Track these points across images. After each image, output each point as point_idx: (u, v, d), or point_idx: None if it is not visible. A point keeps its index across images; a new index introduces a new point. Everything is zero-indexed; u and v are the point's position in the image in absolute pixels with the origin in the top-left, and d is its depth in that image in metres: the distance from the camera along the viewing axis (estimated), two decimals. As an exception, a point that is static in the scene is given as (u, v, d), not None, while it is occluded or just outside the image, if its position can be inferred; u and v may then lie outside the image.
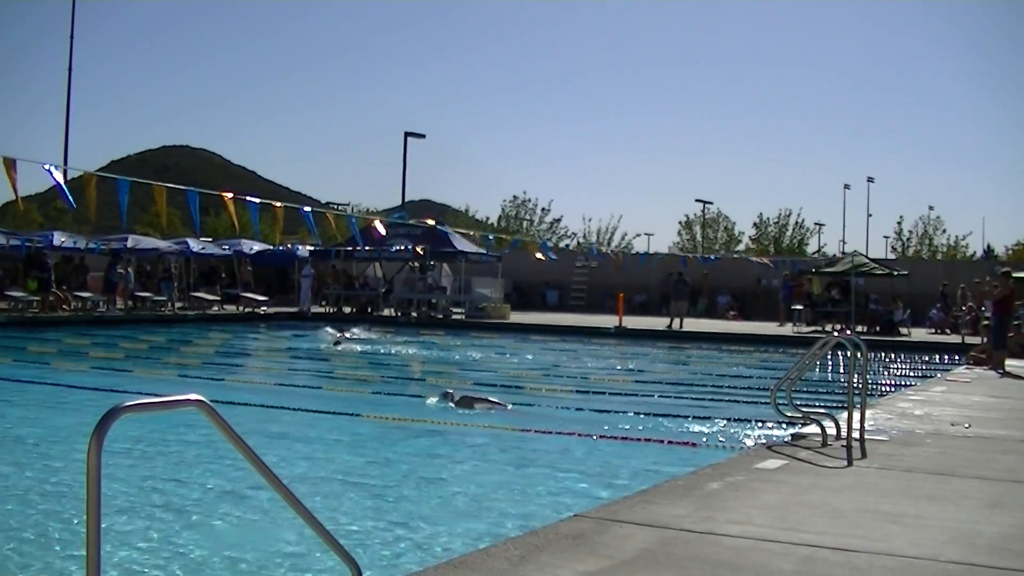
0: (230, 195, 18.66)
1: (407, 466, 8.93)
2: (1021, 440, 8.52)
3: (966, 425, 9.24)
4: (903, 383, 16.18)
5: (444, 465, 9.05)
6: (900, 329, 28.47)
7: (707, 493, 5.79)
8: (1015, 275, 18.85)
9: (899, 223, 67.12)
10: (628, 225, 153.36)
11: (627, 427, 10.81)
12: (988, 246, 68.10)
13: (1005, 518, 5.40)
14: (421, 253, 32.34)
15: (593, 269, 40.89)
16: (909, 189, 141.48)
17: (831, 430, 7.96)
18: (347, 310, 33.19)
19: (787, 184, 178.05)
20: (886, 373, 19.01)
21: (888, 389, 15.02)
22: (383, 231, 28.64)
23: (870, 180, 67.82)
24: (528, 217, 68.05)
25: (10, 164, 14.66)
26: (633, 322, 29.57)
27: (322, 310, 32.69)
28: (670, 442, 9.89)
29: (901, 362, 21.67)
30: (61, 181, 16.38)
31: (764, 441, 9.17)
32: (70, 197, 17.03)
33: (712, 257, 41.16)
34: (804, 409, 9.07)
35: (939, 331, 29.52)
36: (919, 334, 28.15)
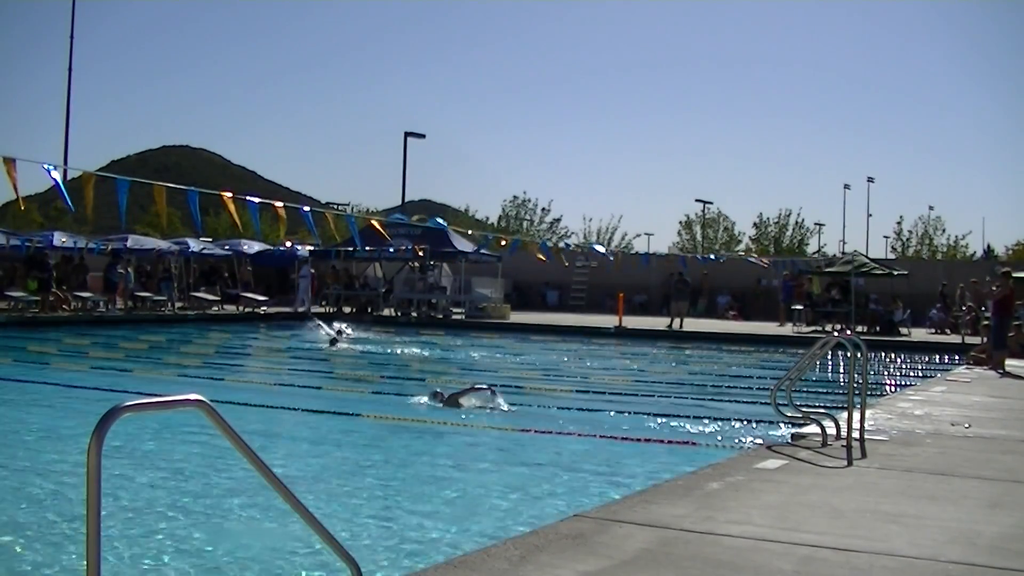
0: (230, 195, 18.63)
1: (407, 466, 8.93)
2: (1021, 440, 8.52)
3: (966, 425, 9.24)
4: (903, 383, 16.18)
5: (444, 465, 9.05)
6: (900, 329, 28.48)
7: (707, 493, 5.79)
8: (1015, 275, 18.85)
9: (899, 223, 67.17)
10: (628, 225, 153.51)
11: (627, 427, 10.82)
12: (988, 246, 68.14)
13: (1005, 518, 5.40)
14: (421, 253, 32.35)
15: (593, 269, 40.91)
16: (909, 189, 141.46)
17: (831, 430, 7.96)
18: (347, 310, 33.20)
19: (787, 184, 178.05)
20: (886, 373, 19.02)
21: (888, 389, 15.02)
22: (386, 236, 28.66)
23: (870, 180, 67.94)
24: (528, 217, 68.12)
25: (10, 164, 14.64)
26: (633, 322, 29.58)
27: (322, 310, 32.70)
28: (670, 442, 9.89)
29: (901, 362, 21.68)
30: (60, 181, 16.35)
31: (764, 441, 9.16)
32: (68, 198, 17.00)
33: (721, 257, 41.13)
34: (804, 409, 9.08)
35: (939, 331, 29.52)
36: (919, 334, 28.15)
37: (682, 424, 11.14)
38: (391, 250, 32.86)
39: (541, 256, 28.49)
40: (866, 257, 34.04)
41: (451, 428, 10.80)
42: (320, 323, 24.64)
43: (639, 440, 9.98)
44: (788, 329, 28.99)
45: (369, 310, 33.00)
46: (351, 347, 21.85)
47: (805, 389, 13.83)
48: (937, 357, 22.83)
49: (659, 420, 11.33)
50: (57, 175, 16.01)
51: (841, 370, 18.10)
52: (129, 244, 31.08)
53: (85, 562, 2.69)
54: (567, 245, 35.75)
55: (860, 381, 8.49)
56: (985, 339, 19.49)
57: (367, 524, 6.66)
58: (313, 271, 34.68)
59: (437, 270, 33.99)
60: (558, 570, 4.08)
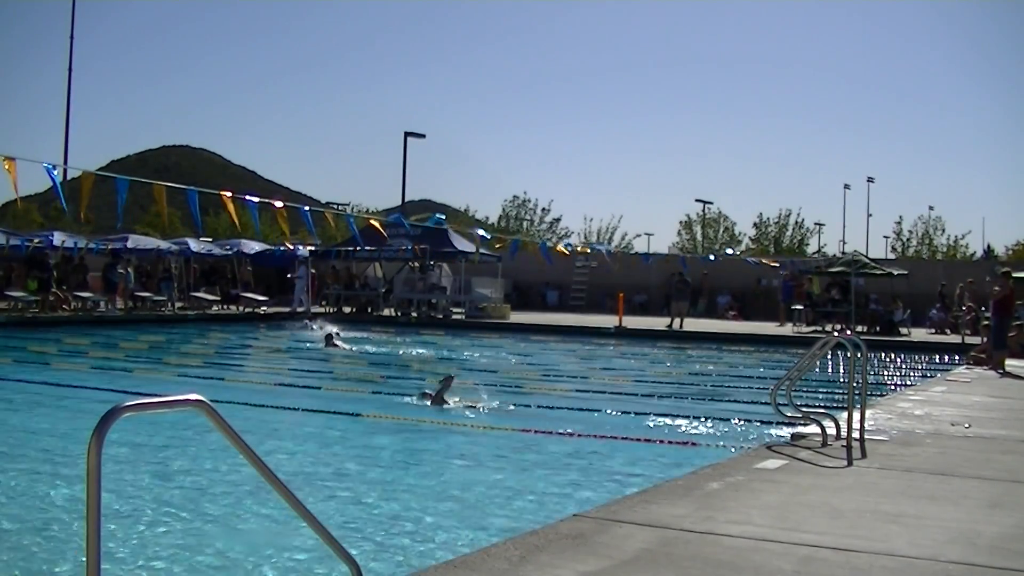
0: (229, 195, 18.63)
1: (407, 466, 8.93)
2: (1021, 440, 8.52)
3: (966, 425, 9.24)
4: (903, 383, 16.18)
5: (444, 465, 9.05)
6: (900, 329, 28.48)
7: (707, 493, 5.79)
8: (1015, 275, 18.85)
9: (898, 223, 67.17)
10: (628, 225, 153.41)
11: (627, 427, 10.82)
12: (988, 246, 68.10)
13: (1005, 518, 5.40)
14: (421, 253, 32.36)
15: (593, 269, 40.91)
16: (909, 189, 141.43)
17: (831, 430, 7.96)
18: (347, 310, 33.21)
19: (787, 184, 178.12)
20: (886, 373, 19.02)
21: (888, 389, 15.02)
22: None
23: (870, 180, 67.88)
24: (528, 217, 68.13)
25: (11, 164, 14.65)
26: (633, 322, 29.58)
27: (322, 310, 32.71)
28: (670, 442, 9.89)
29: (901, 362, 21.68)
30: (57, 181, 16.40)
31: (764, 441, 9.16)
32: (63, 197, 17.04)
33: (719, 258, 41.12)
34: (804, 409, 9.08)
35: (939, 331, 29.52)
36: (919, 334, 28.16)
37: (682, 424, 11.14)
38: (392, 251, 32.88)
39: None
40: (866, 257, 34.05)
41: (450, 428, 10.80)
42: (308, 322, 24.63)
43: (639, 440, 9.98)
44: (788, 329, 28.99)
45: (369, 310, 33.00)
46: (348, 347, 21.82)
47: (805, 389, 13.84)
48: (937, 357, 22.83)
49: (659, 420, 11.34)
50: (55, 175, 16.03)
51: (841, 370, 18.10)
52: (129, 244, 31.06)
53: (85, 562, 2.69)
54: (569, 245, 35.65)
55: (860, 381, 8.49)
56: (985, 339, 19.49)
57: (367, 524, 6.66)
58: (314, 271, 34.69)
59: (437, 270, 33.99)
60: (558, 570, 4.08)
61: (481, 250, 32.77)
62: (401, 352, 21.82)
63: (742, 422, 11.39)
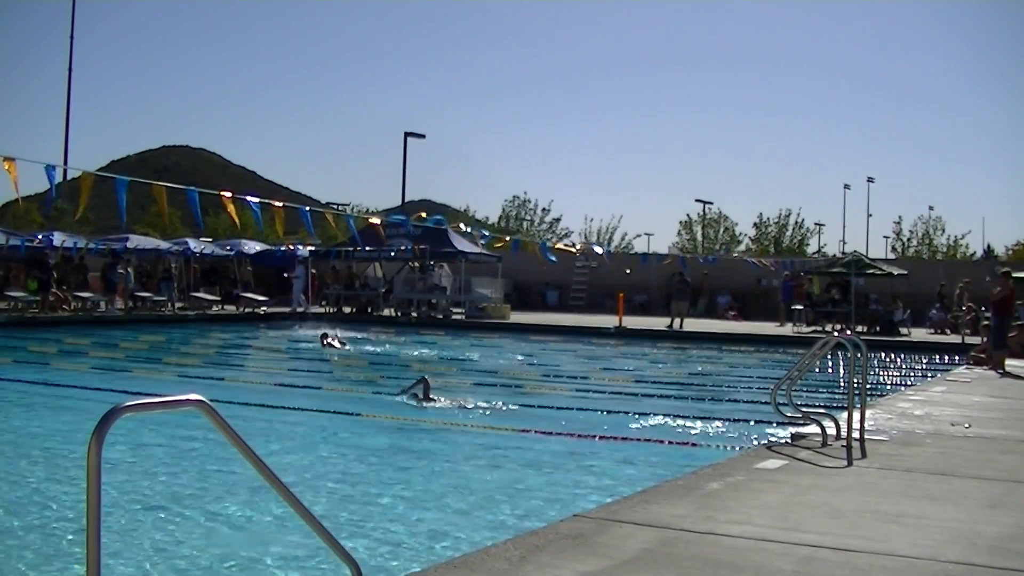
0: (229, 195, 18.63)
1: (407, 466, 8.93)
2: (1021, 440, 8.52)
3: (966, 425, 9.24)
4: (903, 383, 16.18)
5: (445, 465, 9.06)
6: (900, 329, 28.48)
7: (707, 493, 5.79)
8: (1015, 275, 18.85)
9: (898, 223, 67.14)
10: (628, 225, 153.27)
11: (627, 427, 10.82)
12: (988, 246, 68.08)
13: (1005, 518, 5.40)
14: (421, 253, 32.36)
15: (593, 269, 40.91)
16: (909, 189, 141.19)
17: (831, 430, 7.96)
18: (347, 310, 33.21)
19: (787, 184, 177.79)
20: (886, 373, 19.02)
21: (888, 389, 15.02)
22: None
23: (870, 180, 67.92)
24: (528, 217, 68.14)
25: (11, 164, 14.66)
26: (633, 322, 29.58)
27: (322, 310, 32.72)
28: (670, 442, 9.89)
29: (901, 362, 21.68)
30: (54, 182, 16.45)
31: (764, 441, 9.17)
32: (54, 197, 17.13)
33: (715, 258, 41.14)
34: (804, 409, 9.08)
35: (939, 331, 29.53)
36: (919, 334, 28.16)
37: (682, 424, 11.14)
38: (392, 252, 32.88)
39: (545, 257, 28.58)
40: (866, 257, 34.06)
41: (451, 428, 10.81)
42: (299, 325, 24.62)
43: (639, 440, 9.98)
44: (788, 329, 29.00)
45: (369, 310, 33.00)
46: (346, 347, 21.81)
47: (805, 389, 13.84)
48: (937, 357, 22.83)
49: (659, 420, 11.34)
50: (54, 175, 16.06)
51: (841, 370, 18.11)
52: (129, 244, 31.07)
53: (85, 562, 2.69)
54: (573, 245, 35.69)
55: (860, 381, 8.49)
56: (985, 339, 19.49)
57: (367, 524, 6.66)
58: (314, 271, 34.69)
59: (437, 270, 34.01)
60: (558, 570, 4.08)
61: (481, 244, 32.82)
62: (400, 352, 21.81)
63: (742, 422, 11.39)
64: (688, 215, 68.46)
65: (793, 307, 30.23)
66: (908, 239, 66.30)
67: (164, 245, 33.12)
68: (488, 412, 11.81)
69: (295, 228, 37.62)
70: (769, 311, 33.97)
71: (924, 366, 20.58)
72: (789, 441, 8.22)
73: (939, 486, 6.26)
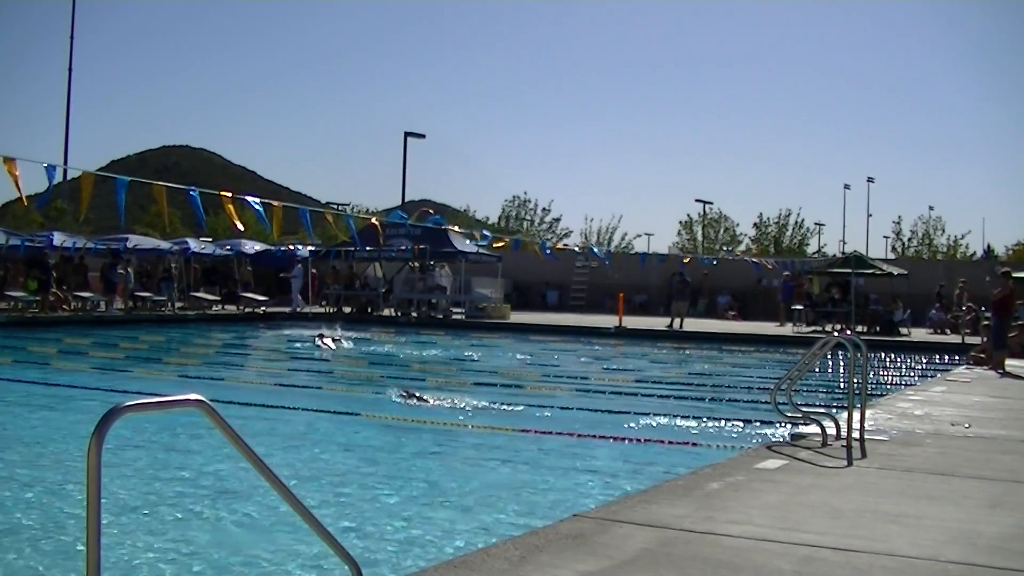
0: (229, 195, 18.62)
1: (406, 466, 8.93)
2: (1021, 440, 8.52)
3: (966, 425, 9.24)
4: (903, 383, 16.18)
5: (444, 465, 9.05)
6: (900, 329, 28.48)
7: (707, 493, 5.79)
8: (1015, 275, 18.85)
9: (898, 223, 67.14)
10: (628, 225, 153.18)
11: (627, 427, 10.82)
12: (988, 246, 68.08)
13: (1005, 518, 5.40)
14: (421, 253, 32.35)
15: (593, 269, 40.90)
16: (909, 189, 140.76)
17: (831, 430, 7.96)
18: (347, 310, 33.21)
19: (787, 184, 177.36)
20: (886, 373, 19.02)
21: (888, 389, 15.02)
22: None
23: (870, 180, 67.82)
24: (528, 217, 68.14)
25: (11, 164, 14.67)
26: (633, 322, 29.58)
27: (322, 310, 32.72)
28: (670, 442, 9.89)
29: (901, 362, 21.68)
30: (51, 182, 16.48)
31: (764, 441, 9.17)
32: (49, 193, 17.12)
33: (714, 259, 41.12)
34: (804, 409, 9.08)
35: (939, 331, 29.53)
36: (919, 334, 28.16)
37: (682, 424, 11.14)
38: (392, 252, 32.87)
39: (545, 253, 28.60)
40: (866, 258, 34.06)
41: (451, 428, 10.80)
42: (299, 325, 24.60)
43: (639, 440, 9.98)
44: (788, 329, 29.00)
45: (369, 310, 33.00)
46: (343, 346, 21.81)
47: (805, 389, 13.84)
48: (937, 357, 22.83)
49: (659, 420, 11.33)
50: (54, 175, 16.08)
51: (841, 370, 18.10)
52: (129, 244, 31.06)
53: (85, 561, 2.69)
54: (575, 247, 35.70)
55: (860, 381, 8.49)
56: (985, 339, 19.49)
57: (367, 524, 6.66)
58: (315, 271, 34.67)
59: (437, 270, 34.01)
60: (558, 570, 4.08)
61: (481, 246, 32.77)
62: (399, 352, 21.81)
63: (742, 422, 11.39)
64: (688, 215, 68.58)
65: (793, 307, 30.22)
66: (908, 239, 66.37)
67: (164, 245, 33.10)
68: (488, 412, 11.80)
69: (295, 228, 37.62)
70: (769, 311, 33.96)
71: (924, 366, 20.58)
72: (789, 441, 8.22)
73: (939, 486, 6.27)
